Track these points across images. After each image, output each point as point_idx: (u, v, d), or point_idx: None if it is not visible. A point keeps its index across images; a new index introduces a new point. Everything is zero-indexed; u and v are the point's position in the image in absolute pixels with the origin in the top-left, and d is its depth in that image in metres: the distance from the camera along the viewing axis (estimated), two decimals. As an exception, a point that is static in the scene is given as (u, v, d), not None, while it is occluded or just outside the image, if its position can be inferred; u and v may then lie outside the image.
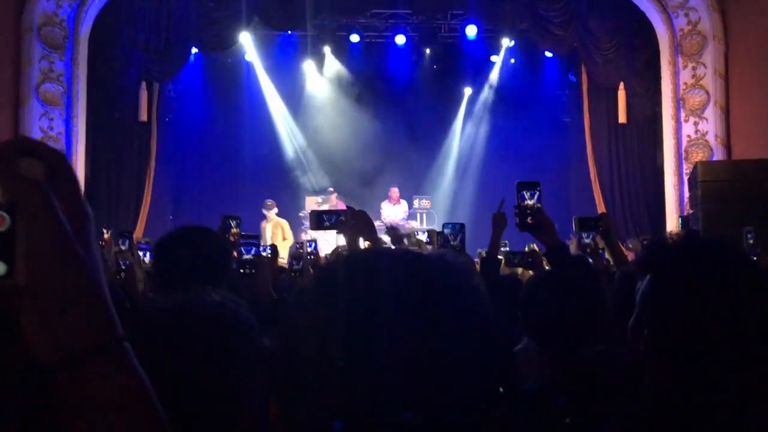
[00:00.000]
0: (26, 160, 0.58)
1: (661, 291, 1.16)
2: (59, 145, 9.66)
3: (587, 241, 4.16)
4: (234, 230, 3.51)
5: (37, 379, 0.59)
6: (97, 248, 0.62)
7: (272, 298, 3.07)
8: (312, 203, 11.38)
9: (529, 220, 2.41)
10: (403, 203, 11.79)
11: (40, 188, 0.58)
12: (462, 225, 3.17)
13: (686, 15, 10.29)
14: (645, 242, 4.13)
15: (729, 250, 1.17)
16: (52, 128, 9.77)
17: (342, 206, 10.91)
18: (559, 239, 2.47)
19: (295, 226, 11.14)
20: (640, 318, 1.22)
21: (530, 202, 2.43)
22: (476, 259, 7.20)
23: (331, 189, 11.69)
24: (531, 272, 4.06)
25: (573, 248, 4.42)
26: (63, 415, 0.58)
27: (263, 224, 10.46)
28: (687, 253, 1.17)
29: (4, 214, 0.55)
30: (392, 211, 11.54)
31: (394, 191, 11.77)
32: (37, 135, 9.57)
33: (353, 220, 2.62)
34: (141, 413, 0.59)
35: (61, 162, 0.62)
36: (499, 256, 3.67)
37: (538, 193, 2.44)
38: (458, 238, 3.08)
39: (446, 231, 3.12)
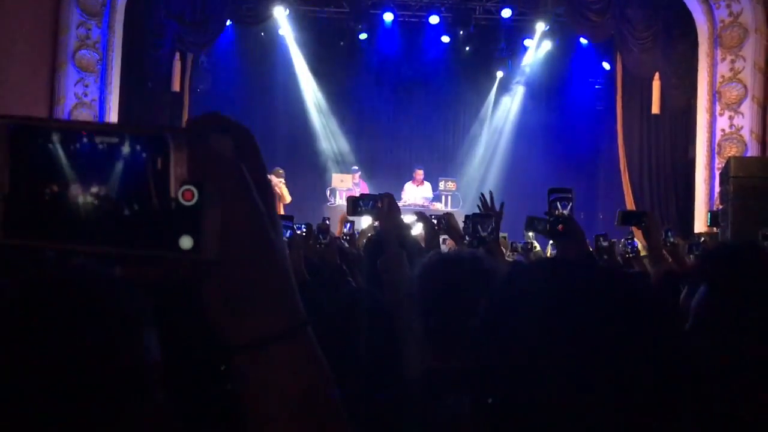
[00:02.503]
0: (215, 135, 0.55)
1: (719, 301, 1.15)
2: (93, 112, 9.79)
3: (628, 248, 4.16)
4: None
5: (220, 357, 0.57)
6: (281, 227, 0.60)
7: (304, 278, 3.08)
8: (338, 180, 11.44)
9: (559, 227, 2.41)
10: (427, 185, 11.75)
11: (236, 166, 0.56)
12: (489, 215, 2.89)
13: (728, 6, 10.05)
14: (700, 248, 4.16)
15: None
16: (86, 95, 9.88)
17: (364, 186, 10.99)
18: (588, 248, 2.45)
19: (322, 202, 11.21)
20: (696, 326, 1.21)
21: (561, 211, 2.42)
22: (522, 242, 7.13)
23: (356, 167, 11.73)
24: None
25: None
26: (240, 396, 0.57)
27: None
28: (746, 263, 1.16)
29: (193, 188, 0.52)
30: (415, 193, 11.54)
31: (419, 173, 11.73)
32: (71, 101, 9.71)
33: (387, 204, 2.63)
34: (319, 401, 0.58)
35: (248, 139, 0.59)
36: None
37: (569, 200, 2.42)
38: (489, 228, 2.77)
39: (475, 219, 2.79)
